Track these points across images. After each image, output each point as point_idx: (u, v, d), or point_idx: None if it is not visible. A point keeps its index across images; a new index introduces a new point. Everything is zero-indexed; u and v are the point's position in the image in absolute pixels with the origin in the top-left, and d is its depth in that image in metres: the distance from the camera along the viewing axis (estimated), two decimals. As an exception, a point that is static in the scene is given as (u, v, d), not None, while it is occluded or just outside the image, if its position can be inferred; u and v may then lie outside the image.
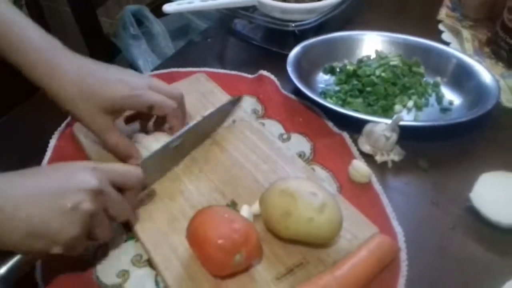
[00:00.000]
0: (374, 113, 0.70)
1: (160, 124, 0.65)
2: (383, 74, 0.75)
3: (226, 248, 0.47)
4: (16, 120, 0.77)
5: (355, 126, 0.67)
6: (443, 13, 0.96)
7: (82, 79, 0.57)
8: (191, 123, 0.64)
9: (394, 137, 0.62)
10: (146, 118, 0.67)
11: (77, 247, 0.48)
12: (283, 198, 0.50)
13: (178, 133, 0.62)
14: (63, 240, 0.45)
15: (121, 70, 0.61)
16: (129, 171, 0.53)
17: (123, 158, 0.62)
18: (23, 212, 0.43)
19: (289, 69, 0.74)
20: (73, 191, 0.45)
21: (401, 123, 0.62)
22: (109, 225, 0.50)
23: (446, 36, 0.89)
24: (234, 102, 0.71)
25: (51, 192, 0.45)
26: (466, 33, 0.87)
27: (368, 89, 0.74)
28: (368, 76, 0.75)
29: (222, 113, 0.69)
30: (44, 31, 0.59)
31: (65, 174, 0.48)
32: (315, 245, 0.52)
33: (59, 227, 0.44)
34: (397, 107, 0.72)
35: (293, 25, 0.82)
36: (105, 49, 1.04)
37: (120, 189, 0.52)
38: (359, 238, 0.53)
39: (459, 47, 0.85)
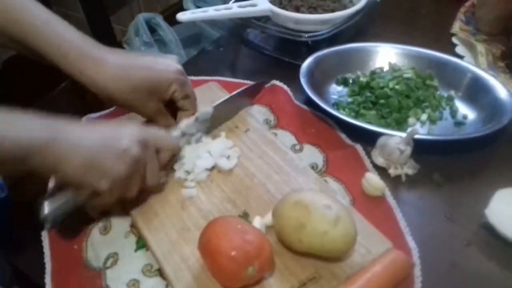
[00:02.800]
0: (387, 126, 0.70)
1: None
2: (396, 87, 0.74)
3: (239, 260, 0.46)
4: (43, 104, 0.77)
5: (368, 139, 0.67)
6: (456, 26, 0.95)
7: (127, 69, 0.60)
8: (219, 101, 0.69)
9: (408, 150, 0.62)
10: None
11: (120, 189, 0.53)
12: (297, 210, 0.50)
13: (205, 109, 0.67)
14: (111, 176, 0.51)
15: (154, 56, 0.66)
16: (167, 136, 0.61)
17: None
18: (85, 143, 0.50)
19: (302, 79, 0.74)
20: (127, 138, 0.52)
21: (416, 136, 0.62)
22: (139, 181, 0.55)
23: (460, 49, 0.89)
24: (258, 86, 0.75)
25: (108, 135, 0.53)
26: (480, 47, 0.86)
27: (382, 101, 0.73)
28: (382, 88, 0.75)
29: (247, 95, 0.74)
30: (74, 28, 0.61)
31: (119, 126, 0.56)
32: (328, 259, 0.51)
33: (111, 163, 0.51)
34: (411, 120, 0.71)
35: (306, 35, 0.81)
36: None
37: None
38: (373, 253, 0.52)
39: (472, 61, 0.85)
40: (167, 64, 0.64)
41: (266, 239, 0.50)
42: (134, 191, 0.55)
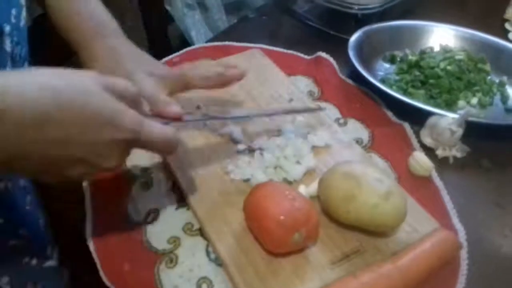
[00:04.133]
0: (436, 106, 0.67)
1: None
2: (448, 67, 0.72)
3: (287, 225, 0.45)
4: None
5: (415, 118, 0.65)
6: (510, 12, 0.92)
7: (138, 58, 0.56)
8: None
9: (459, 132, 0.60)
10: None
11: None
12: (347, 182, 0.49)
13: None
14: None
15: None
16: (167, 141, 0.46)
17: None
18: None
19: (351, 53, 0.72)
20: (113, 124, 0.40)
21: (469, 119, 0.60)
22: None
23: (512, 36, 0.85)
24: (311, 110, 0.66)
25: (95, 120, 0.40)
26: (535, 34, 0.83)
27: (432, 81, 0.71)
28: (432, 68, 0.73)
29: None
30: (104, 8, 0.58)
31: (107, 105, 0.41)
32: (373, 233, 0.50)
33: (101, 151, 0.41)
34: (461, 102, 0.69)
35: (356, 8, 0.79)
36: (159, 16, 1.03)
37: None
38: (419, 232, 0.51)
39: (526, 48, 0.82)
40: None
41: (314, 207, 0.49)
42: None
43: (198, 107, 0.66)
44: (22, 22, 0.54)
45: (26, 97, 0.36)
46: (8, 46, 0.52)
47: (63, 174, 0.41)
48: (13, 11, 0.52)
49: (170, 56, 0.78)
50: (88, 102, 0.39)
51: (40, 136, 0.37)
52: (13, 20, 0.52)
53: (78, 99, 0.38)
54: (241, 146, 0.60)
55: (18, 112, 0.35)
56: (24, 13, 0.55)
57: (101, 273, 0.49)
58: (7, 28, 0.51)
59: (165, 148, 0.46)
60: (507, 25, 0.88)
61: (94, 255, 0.51)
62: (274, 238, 0.46)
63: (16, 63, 0.53)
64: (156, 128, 0.44)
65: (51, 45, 0.85)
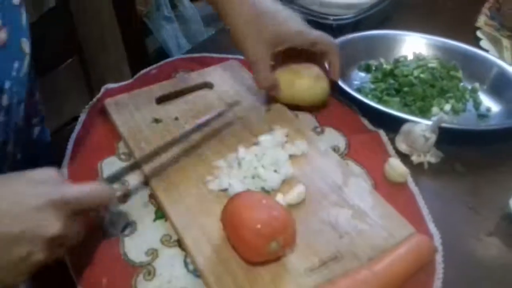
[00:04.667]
0: (411, 114, 0.69)
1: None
2: (422, 75, 0.73)
3: (264, 233, 0.45)
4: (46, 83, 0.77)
5: (390, 125, 0.66)
6: (482, 20, 0.95)
7: (255, 14, 0.64)
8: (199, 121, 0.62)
9: (433, 138, 0.61)
10: None
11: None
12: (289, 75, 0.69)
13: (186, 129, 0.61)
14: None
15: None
16: (96, 193, 0.47)
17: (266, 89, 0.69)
18: None
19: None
20: (29, 239, 0.40)
21: (442, 125, 0.61)
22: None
23: (484, 44, 0.88)
24: (232, 105, 0.68)
25: (5, 236, 0.39)
26: (506, 42, 0.86)
27: (406, 89, 0.72)
28: (406, 76, 0.74)
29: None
30: None
31: (21, 215, 0.40)
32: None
33: (4, 274, 0.40)
34: (435, 109, 0.71)
35: (332, 18, 0.80)
36: (136, 28, 1.03)
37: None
38: (396, 237, 0.51)
39: (497, 55, 0.84)
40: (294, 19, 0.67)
41: (291, 215, 0.49)
42: (61, 254, 0.46)
43: (176, 119, 0.66)
44: (24, 71, 0.53)
45: None
46: (5, 101, 0.51)
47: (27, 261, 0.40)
48: (16, 64, 0.51)
49: (148, 68, 0.79)
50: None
51: None
52: (13, 74, 0.51)
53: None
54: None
55: None
56: (27, 61, 0.54)
57: (78, 288, 0.49)
58: (7, 84, 0.50)
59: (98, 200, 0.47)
60: (478, 33, 0.91)
61: (71, 270, 0.50)
62: (251, 247, 0.47)
63: (10, 112, 0.52)
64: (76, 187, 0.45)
65: (55, 40, 0.84)
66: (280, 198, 0.55)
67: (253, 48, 0.65)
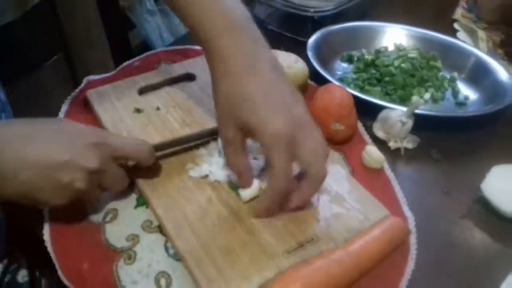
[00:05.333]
0: (392, 102, 0.70)
1: None
2: (402, 65, 0.75)
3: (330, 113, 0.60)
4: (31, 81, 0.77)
5: (371, 113, 0.67)
6: (458, 13, 0.97)
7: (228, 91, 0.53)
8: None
9: (409, 123, 0.63)
10: None
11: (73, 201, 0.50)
12: None
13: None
14: (51, 205, 0.49)
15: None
16: (138, 146, 0.54)
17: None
18: (20, 178, 0.45)
19: (309, 53, 0.75)
20: (71, 168, 0.47)
21: (418, 111, 0.62)
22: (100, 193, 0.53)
23: (461, 35, 0.90)
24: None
25: (50, 164, 0.46)
26: (481, 33, 0.88)
27: (387, 78, 0.74)
28: (387, 66, 0.76)
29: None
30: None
31: (68, 146, 0.48)
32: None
33: (49, 197, 0.47)
34: (415, 98, 0.72)
35: (312, 10, 0.82)
36: (119, 22, 1.03)
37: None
38: (371, 220, 0.53)
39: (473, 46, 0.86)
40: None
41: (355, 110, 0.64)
42: (92, 199, 0.54)
43: (157, 108, 0.67)
44: None
45: None
46: None
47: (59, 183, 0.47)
48: None
49: (131, 60, 0.79)
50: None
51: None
52: None
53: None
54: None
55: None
56: None
57: (60, 273, 0.49)
58: None
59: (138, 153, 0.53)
60: (455, 25, 0.93)
61: (52, 255, 0.51)
62: (320, 122, 0.56)
63: None
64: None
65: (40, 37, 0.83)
66: (256, 184, 0.55)
67: (225, 128, 0.52)
